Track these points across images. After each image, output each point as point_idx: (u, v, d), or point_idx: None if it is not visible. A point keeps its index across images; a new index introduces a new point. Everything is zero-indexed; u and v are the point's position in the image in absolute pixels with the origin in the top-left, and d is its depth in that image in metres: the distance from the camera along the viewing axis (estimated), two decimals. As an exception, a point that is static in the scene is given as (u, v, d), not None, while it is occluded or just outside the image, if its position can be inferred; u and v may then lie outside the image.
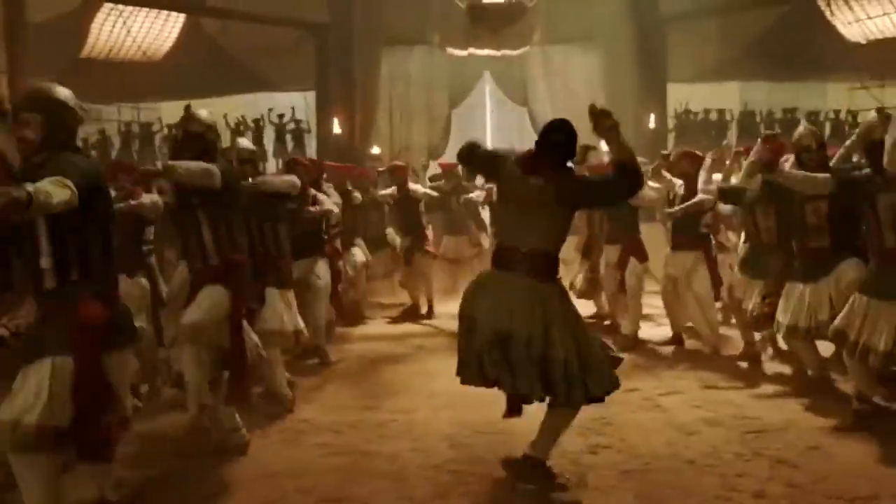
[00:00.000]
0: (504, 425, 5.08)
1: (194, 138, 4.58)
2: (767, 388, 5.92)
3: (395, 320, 9.22)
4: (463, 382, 4.22)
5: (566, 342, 3.92)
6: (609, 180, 4.18)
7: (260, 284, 5.49)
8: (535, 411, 4.70)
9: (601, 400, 4.10)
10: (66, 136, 3.53)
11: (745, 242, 6.62)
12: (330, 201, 7.33)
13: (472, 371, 4.12)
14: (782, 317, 5.51)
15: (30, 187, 2.95)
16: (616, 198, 4.84)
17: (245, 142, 6.18)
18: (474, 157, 4.40)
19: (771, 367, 6.49)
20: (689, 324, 7.38)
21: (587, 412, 5.29)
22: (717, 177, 6.80)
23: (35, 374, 3.31)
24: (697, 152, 7.09)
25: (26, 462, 3.31)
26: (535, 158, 4.13)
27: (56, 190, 3.07)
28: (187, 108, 4.72)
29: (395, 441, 4.95)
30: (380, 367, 6.80)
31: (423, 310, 9.31)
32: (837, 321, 4.93)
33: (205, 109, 4.78)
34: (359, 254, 8.75)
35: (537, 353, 3.89)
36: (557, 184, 4.05)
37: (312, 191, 6.68)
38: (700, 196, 6.63)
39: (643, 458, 4.60)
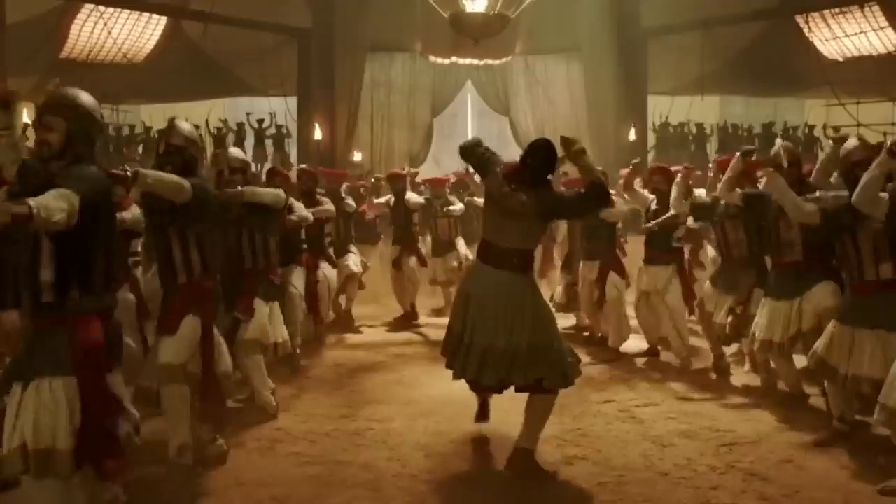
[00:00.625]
0: (480, 435, 5.13)
1: (175, 151, 4.52)
2: (740, 401, 5.95)
3: (390, 327, 9.14)
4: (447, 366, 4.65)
5: (529, 329, 4.38)
6: (579, 198, 4.62)
7: (249, 296, 5.48)
8: (512, 419, 4.76)
9: (558, 388, 4.53)
10: (87, 146, 3.48)
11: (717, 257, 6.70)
12: (326, 207, 7.51)
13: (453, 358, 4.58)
14: (757, 331, 5.55)
15: (32, 202, 2.93)
16: (584, 211, 5.30)
17: (236, 150, 6.12)
18: (474, 154, 4.79)
19: (742, 379, 6.52)
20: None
21: (563, 423, 5.39)
22: (701, 191, 6.83)
23: (44, 394, 3.26)
24: (672, 168, 7.14)
25: (50, 486, 3.27)
26: (519, 175, 4.50)
27: (56, 205, 3.04)
28: (171, 120, 4.67)
29: (371, 450, 4.93)
30: (357, 375, 6.77)
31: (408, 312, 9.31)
32: (819, 348, 4.89)
33: (187, 124, 4.73)
34: (352, 261, 8.69)
35: (502, 343, 4.36)
36: (537, 198, 4.44)
37: (292, 200, 6.64)
38: (672, 211, 6.68)
39: (618, 470, 4.61)
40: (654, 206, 6.99)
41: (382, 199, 9.52)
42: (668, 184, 6.81)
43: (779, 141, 5.74)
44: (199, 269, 4.50)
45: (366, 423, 5.44)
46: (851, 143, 4.94)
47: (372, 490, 4.30)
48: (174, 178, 4.27)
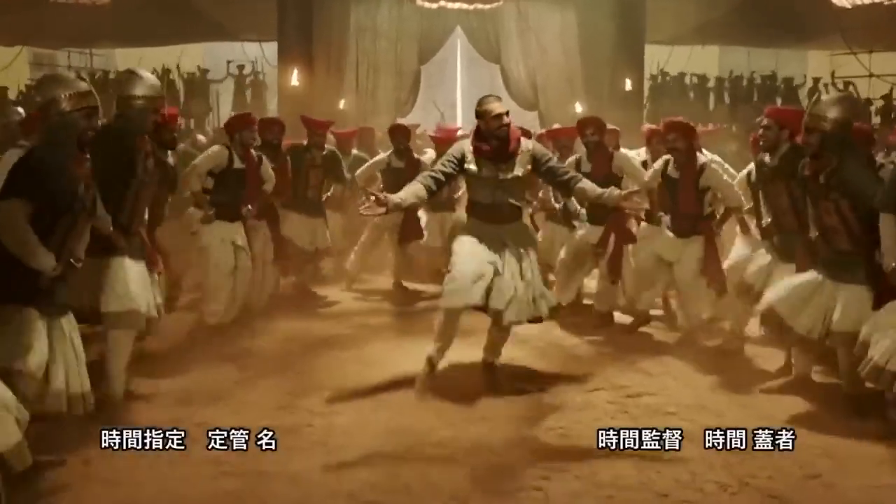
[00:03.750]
0: (441, 437, 4.10)
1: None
2: (755, 391, 4.90)
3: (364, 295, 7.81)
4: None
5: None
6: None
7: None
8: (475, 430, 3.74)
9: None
10: None
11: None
12: None
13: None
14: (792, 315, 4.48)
15: None
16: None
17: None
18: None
19: (760, 363, 5.48)
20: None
21: (541, 420, 4.36)
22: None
23: None
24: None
25: None
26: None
27: None
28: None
29: (305, 456, 3.89)
30: (310, 352, 5.67)
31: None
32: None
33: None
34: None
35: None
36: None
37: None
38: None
39: (605, 488, 3.60)
40: (671, 168, 5.82)
41: (382, 157, 7.70)
42: (687, 141, 5.64)
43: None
44: None
45: (306, 417, 4.40)
46: None
47: (294, 516, 3.29)
48: None
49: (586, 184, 4.70)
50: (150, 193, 4.66)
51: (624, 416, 4.47)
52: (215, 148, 6.14)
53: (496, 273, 4.57)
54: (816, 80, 14.69)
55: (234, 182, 5.95)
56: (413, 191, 4.57)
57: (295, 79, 12.23)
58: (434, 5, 14.34)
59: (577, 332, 6.22)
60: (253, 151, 6.16)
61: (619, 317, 6.54)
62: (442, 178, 4.65)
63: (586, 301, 6.95)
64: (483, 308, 4.60)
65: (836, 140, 4.28)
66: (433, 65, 15.47)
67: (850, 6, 13.20)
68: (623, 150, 6.89)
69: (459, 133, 8.13)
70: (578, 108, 13.31)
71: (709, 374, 5.20)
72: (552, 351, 5.76)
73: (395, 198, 4.48)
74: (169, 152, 5.35)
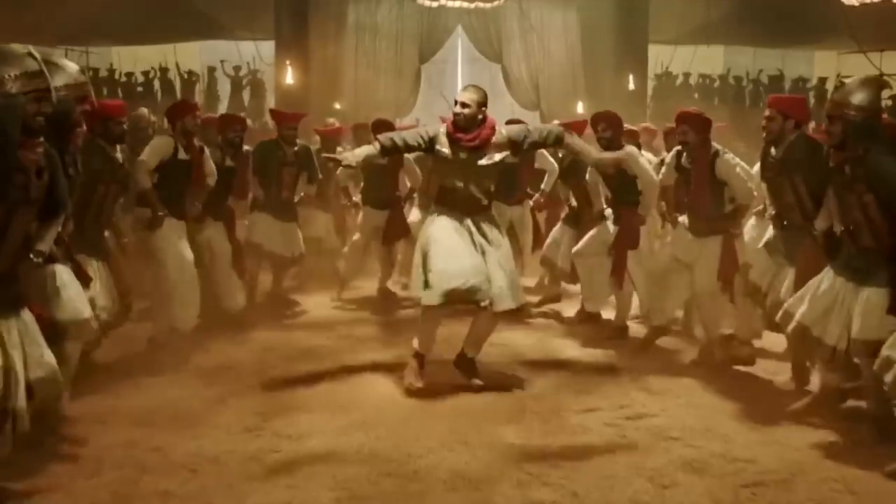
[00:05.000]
0: (417, 466, 3.64)
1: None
2: (766, 416, 4.38)
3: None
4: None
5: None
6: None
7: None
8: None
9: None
10: None
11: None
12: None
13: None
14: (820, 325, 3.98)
15: None
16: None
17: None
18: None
19: (773, 376, 5.01)
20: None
21: (530, 443, 3.90)
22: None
23: None
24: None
25: None
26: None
27: None
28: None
29: (266, 490, 3.43)
30: (285, 364, 5.18)
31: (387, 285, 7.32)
32: None
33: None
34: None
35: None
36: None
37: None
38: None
39: (599, 529, 3.14)
40: (684, 161, 5.30)
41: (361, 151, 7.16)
42: (701, 133, 5.17)
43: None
44: None
45: (273, 441, 3.94)
46: None
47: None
48: None
49: (573, 136, 4.75)
50: (88, 194, 4.26)
51: (621, 441, 4.00)
52: (159, 139, 5.54)
53: (481, 263, 4.53)
54: (823, 80, 14.18)
55: (179, 175, 5.42)
56: (365, 148, 4.69)
57: (289, 77, 11.77)
58: (434, 4, 13.90)
59: (578, 344, 5.76)
60: (196, 142, 5.59)
61: (635, 329, 6.05)
62: (400, 143, 4.61)
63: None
64: (468, 300, 4.51)
65: (863, 128, 3.79)
66: (433, 64, 15.06)
67: (857, 4, 12.71)
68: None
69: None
70: (580, 108, 12.89)
71: (717, 392, 4.73)
72: (548, 365, 5.29)
73: (348, 154, 4.63)
74: (118, 147, 4.88)
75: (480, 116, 4.55)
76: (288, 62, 12.20)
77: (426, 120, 14.71)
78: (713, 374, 5.03)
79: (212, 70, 14.26)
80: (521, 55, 14.57)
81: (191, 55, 14.60)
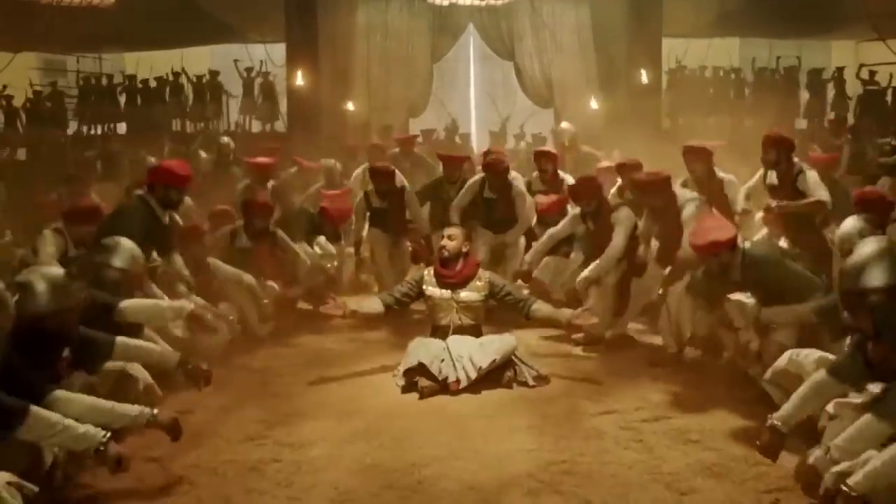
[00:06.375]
0: (423, 475, 3.45)
1: None
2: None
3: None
4: None
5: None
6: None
7: None
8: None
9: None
10: None
11: None
12: None
13: None
14: None
15: None
16: None
17: None
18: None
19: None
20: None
21: (542, 448, 3.71)
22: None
23: None
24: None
25: None
26: None
27: None
28: None
29: (264, 502, 3.27)
30: (291, 371, 5.00)
31: None
32: None
33: None
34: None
35: None
36: None
37: None
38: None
39: (614, 541, 2.94)
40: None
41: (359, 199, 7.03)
42: (703, 165, 5.43)
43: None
44: None
45: (274, 450, 3.77)
46: None
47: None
48: None
49: (541, 305, 4.97)
50: None
51: (638, 445, 3.79)
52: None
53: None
54: (840, 70, 13.82)
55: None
56: (371, 303, 5.04)
57: (300, 78, 11.63)
58: (446, 2, 13.75)
59: (593, 347, 5.53)
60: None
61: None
62: (402, 298, 5.01)
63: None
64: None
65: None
66: (445, 63, 14.87)
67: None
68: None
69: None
70: (594, 105, 12.66)
71: (738, 393, 4.47)
72: (560, 364, 5.09)
73: (353, 305, 4.98)
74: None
75: (464, 249, 5.00)
76: (302, 68, 12.01)
77: (439, 118, 14.55)
78: (734, 375, 4.78)
79: (214, 74, 14.09)
80: (534, 52, 14.32)
81: (202, 59, 14.49)
